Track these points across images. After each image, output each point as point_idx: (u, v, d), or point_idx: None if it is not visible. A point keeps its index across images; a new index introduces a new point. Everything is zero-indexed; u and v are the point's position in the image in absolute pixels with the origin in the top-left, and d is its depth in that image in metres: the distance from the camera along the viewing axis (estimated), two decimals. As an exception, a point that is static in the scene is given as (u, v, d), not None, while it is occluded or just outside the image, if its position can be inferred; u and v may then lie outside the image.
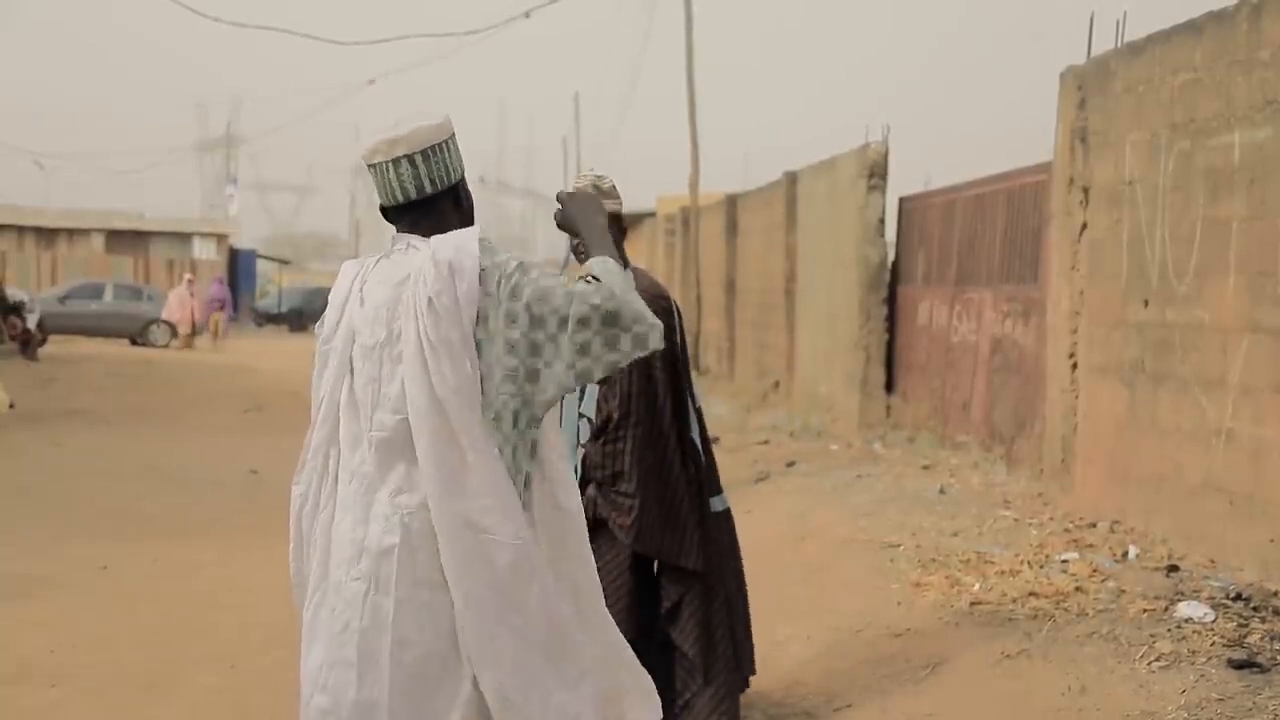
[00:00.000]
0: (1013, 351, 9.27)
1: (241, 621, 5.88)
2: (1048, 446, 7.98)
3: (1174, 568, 5.71)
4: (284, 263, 48.94)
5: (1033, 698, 4.51)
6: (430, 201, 2.76)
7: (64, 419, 13.40)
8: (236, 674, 5.19)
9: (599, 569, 4.01)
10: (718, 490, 4.21)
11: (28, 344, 19.50)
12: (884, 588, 6.00)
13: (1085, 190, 7.40)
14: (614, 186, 4.12)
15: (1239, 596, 5.16)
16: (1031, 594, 5.46)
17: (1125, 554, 6.06)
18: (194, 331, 26.84)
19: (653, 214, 27.00)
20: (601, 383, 3.98)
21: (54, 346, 22.15)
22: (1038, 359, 8.56)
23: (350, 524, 2.70)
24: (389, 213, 2.81)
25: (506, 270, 2.62)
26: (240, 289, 38.89)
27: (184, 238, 38.14)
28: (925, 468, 9.12)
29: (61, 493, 9.15)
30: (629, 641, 4.00)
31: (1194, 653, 4.57)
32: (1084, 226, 7.40)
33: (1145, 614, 5.05)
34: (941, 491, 8.09)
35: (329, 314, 2.83)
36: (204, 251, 37.89)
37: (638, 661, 2.88)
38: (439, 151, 2.75)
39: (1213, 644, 4.63)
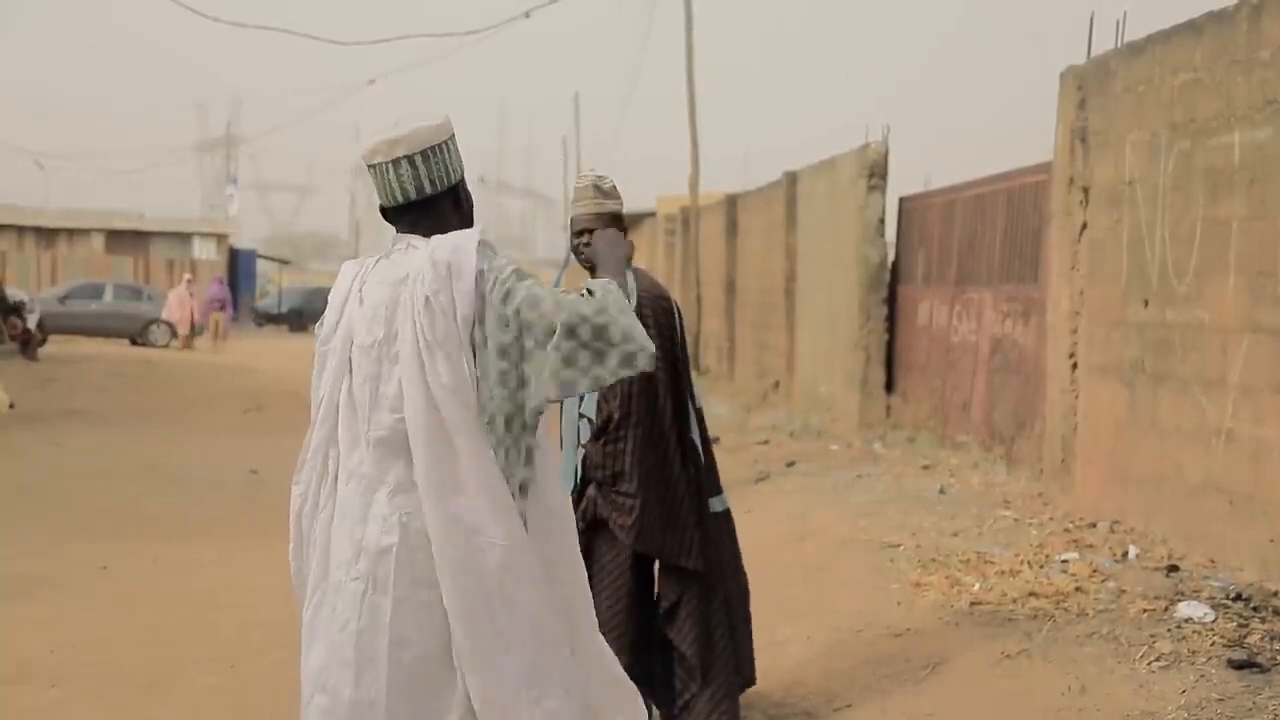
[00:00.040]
0: (1013, 351, 9.27)
1: (241, 621, 5.88)
2: (1048, 446, 7.98)
3: (1174, 568, 5.71)
4: (284, 263, 48.93)
5: (1033, 698, 4.51)
6: (430, 202, 2.76)
7: (64, 419, 13.40)
8: (236, 674, 5.19)
9: (599, 569, 4.05)
10: (718, 490, 4.21)
11: (28, 344, 19.49)
12: (884, 588, 5.99)
13: (1085, 190, 7.40)
14: (614, 186, 4.13)
15: (1239, 596, 5.16)
16: (1031, 594, 5.46)
17: (1125, 554, 6.06)
18: (193, 332, 26.83)
19: (653, 214, 27.01)
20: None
21: (54, 346, 22.14)
22: (1038, 359, 8.56)
23: (349, 524, 2.70)
24: (389, 213, 2.81)
25: (501, 275, 2.63)
26: (240, 289, 38.88)
27: (184, 238, 38.13)
28: (925, 468, 9.12)
29: (61, 493, 9.15)
30: (629, 642, 4.03)
31: (1194, 653, 4.57)
32: (1084, 226, 7.40)
33: (1145, 614, 5.05)
34: (941, 491, 8.09)
35: (328, 314, 2.83)
36: (204, 251, 37.88)
37: (626, 676, 2.89)
38: (439, 152, 2.75)
39: (1213, 644, 4.63)
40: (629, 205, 4.26)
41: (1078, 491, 7.33)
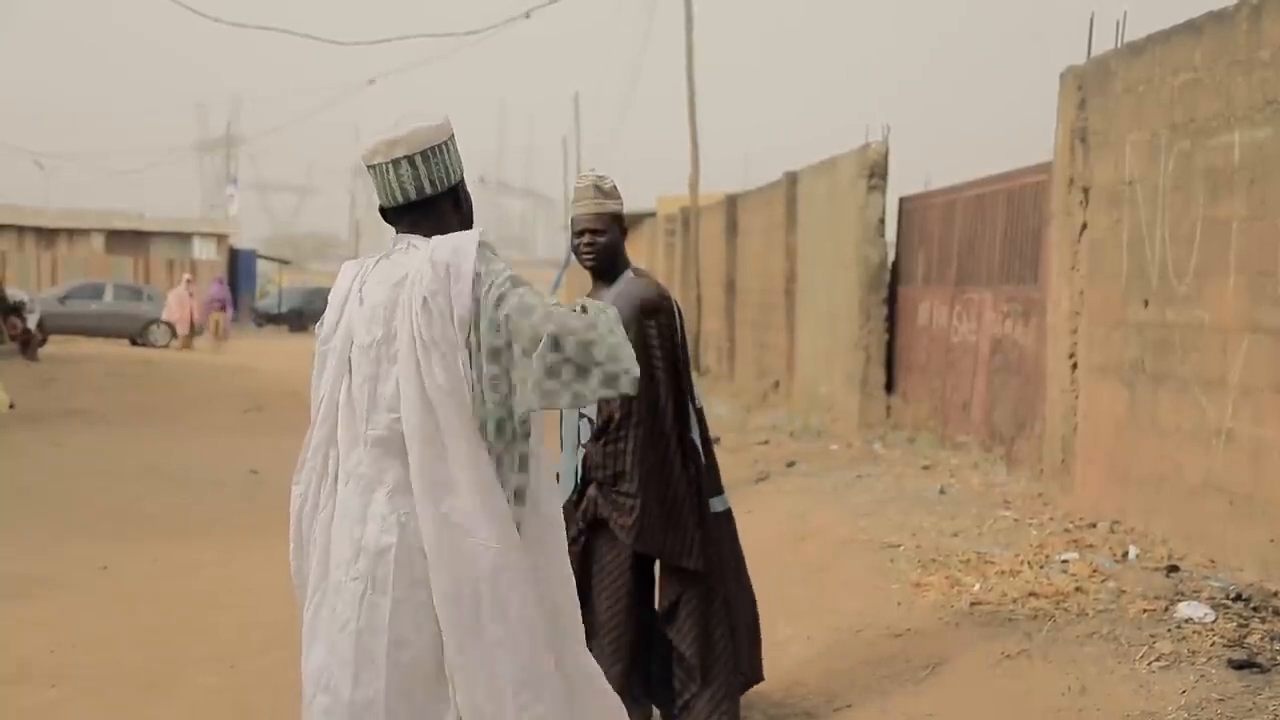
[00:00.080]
0: (1013, 352, 9.27)
1: (241, 621, 5.88)
2: (1048, 447, 7.98)
3: (1174, 568, 5.71)
4: (284, 263, 48.94)
5: (1033, 698, 4.51)
6: (430, 202, 2.76)
7: (64, 419, 13.40)
8: (236, 674, 5.19)
9: (599, 569, 4.05)
10: (719, 491, 4.21)
11: (28, 344, 19.49)
12: (884, 588, 5.99)
13: (1085, 190, 7.40)
14: (615, 186, 4.13)
15: (1239, 597, 5.16)
16: (1031, 594, 5.46)
17: (1125, 554, 6.06)
18: (193, 332, 26.84)
19: (653, 214, 27.01)
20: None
21: (54, 346, 22.15)
22: (1038, 359, 8.56)
23: (348, 524, 2.71)
24: (388, 213, 2.81)
25: (497, 279, 2.63)
26: (240, 289, 38.89)
27: (184, 238, 38.14)
28: (925, 468, 9.12)
29: (61, 493, 9.15)
30: (629, 641, 4.03)
31: (1194, 653, 4.57)
32: (1084, 226, 7.41)
33: (1145, 614, 5.05)
34: (941, 492, 8.09)
35: (328, 314, 2.83)
36: (204, 252, 37.89)
37: (610, 689, 2.89)
38: (439, 152, 2.75)
39: (1213, 644, 4.63)
40: (629, 205, 4.27)
41: (1078, 491, 7.33)
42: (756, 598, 4.36)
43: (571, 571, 2.83)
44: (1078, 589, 5.47)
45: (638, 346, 3.97)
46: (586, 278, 4.25)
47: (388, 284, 2.70)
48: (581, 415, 4.05)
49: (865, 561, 6.54)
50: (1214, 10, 6.04)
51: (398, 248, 2.76)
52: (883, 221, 11.75)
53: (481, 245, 2.69)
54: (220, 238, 39.05)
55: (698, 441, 4.12)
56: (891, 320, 11.71)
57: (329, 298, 2.86)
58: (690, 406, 4.12)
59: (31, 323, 19.66)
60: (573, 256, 4.11)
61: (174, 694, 4.97)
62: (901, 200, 12.17)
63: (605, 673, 4.02)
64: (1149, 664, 4.53)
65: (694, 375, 4.26)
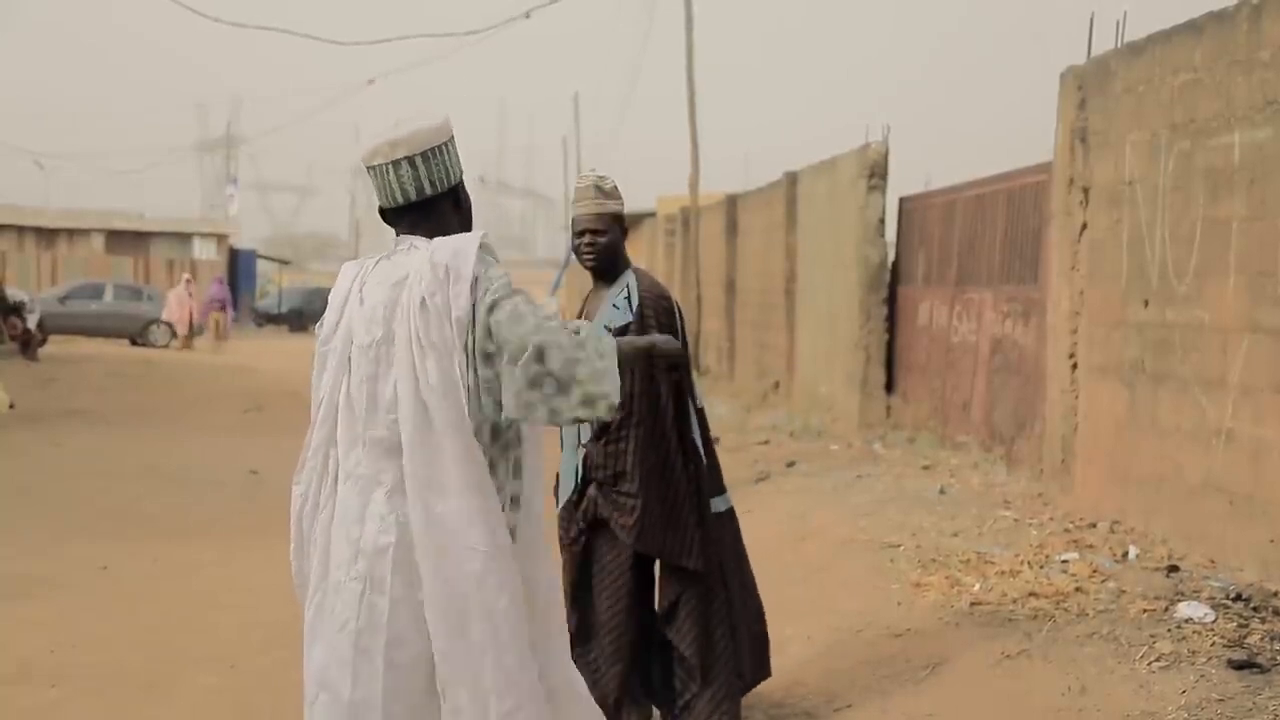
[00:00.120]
0: (1013, 352, 9.27)
1: (241, 621, 5.88)
2: (1048, 447, 7.98)
3: (1174, 568, 5.71)
4: (284, 263, 48.93)
5: (1033, 698, 4.51)
6: (430, 203, 2.77)
7: (64, 419, 13.40)
8: (236, 674, 5.19)
9: (599, 569, 4.05)
10: (721, 490, 4.21)
11: (28, 344, 19.50)
12: (884, 588, 5.99)
13: (1085, 190, 7.40)
14: (615, 187, 4.13)
15: (1239, 597, 5.15)
16: (1031, 594, 5.46)
17: (1125, 554, 6.06)
18: (192, 332, 26.83)
19: (653, 214, 27.00)
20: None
21: (54, 346, 22.15)
22: (1038, 359, 8.56)
23: (347, 524, 2.71)
24: (388, 214, 2.81)
25: (493, 284, 2.63)
26: (240, 289, 38.89)
27: (184, 238, 38.15)
28: (925, 468, 9.12)
29: (61, 493, 9.15)
30: (629, 641, 4.04)
31: (1194, 653, 4.57)
32: (1084, 226, 7.40)
33: (1145, 614, 5.05)
34: (941, 492, 8.09)
35: (328, 315, 2.83)
36: (204, 252, 37.89)
37: (591, 698, 2.89)
38: (439, 153, 2.75)
39: (1213, 644, 4.63)
40: (629, 205, 4.26)
41: (1078, 492, 7.33)
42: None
43: (559, 580, 2.83)
44: (1078, 589, 5.47)
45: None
46: (587, 278, 4.25)
47: (388, 284, 2.70)
48: (582, 415, 4.05)
49: (865, 561, 6.54)
50: (1214, 10, 6.04)
51: (399, 248, 2.76)
52: (883, 221, 11.74)
53: (482, 248, 2.69)
54: (220, 238, 39.05)
55: (699, 441, 4.12)
56: (891, 320, 11.71)
57: (329, 298, 2.86)
58: (691, 406, 4.12)
59: (31, 323, 19.67)
60: (573, 256, 4.11)
61: (174, 694, 4.98)
62: (901, 200, 12.17)
63: (605, 672, 4.06)
64: (1149, 664, 4.53)
65: (694, 375, 4.26)
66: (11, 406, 13.33)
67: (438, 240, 2.70)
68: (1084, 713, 4.30)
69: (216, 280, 30.23)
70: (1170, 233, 6.37)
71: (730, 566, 4.19)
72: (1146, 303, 6.58)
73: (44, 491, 9.16)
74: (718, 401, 14.57)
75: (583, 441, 4.06)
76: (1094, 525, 6.71)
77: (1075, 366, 7.48)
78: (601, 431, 3.99)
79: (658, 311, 4.05)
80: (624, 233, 4.16)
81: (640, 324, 4.01)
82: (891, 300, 11.74)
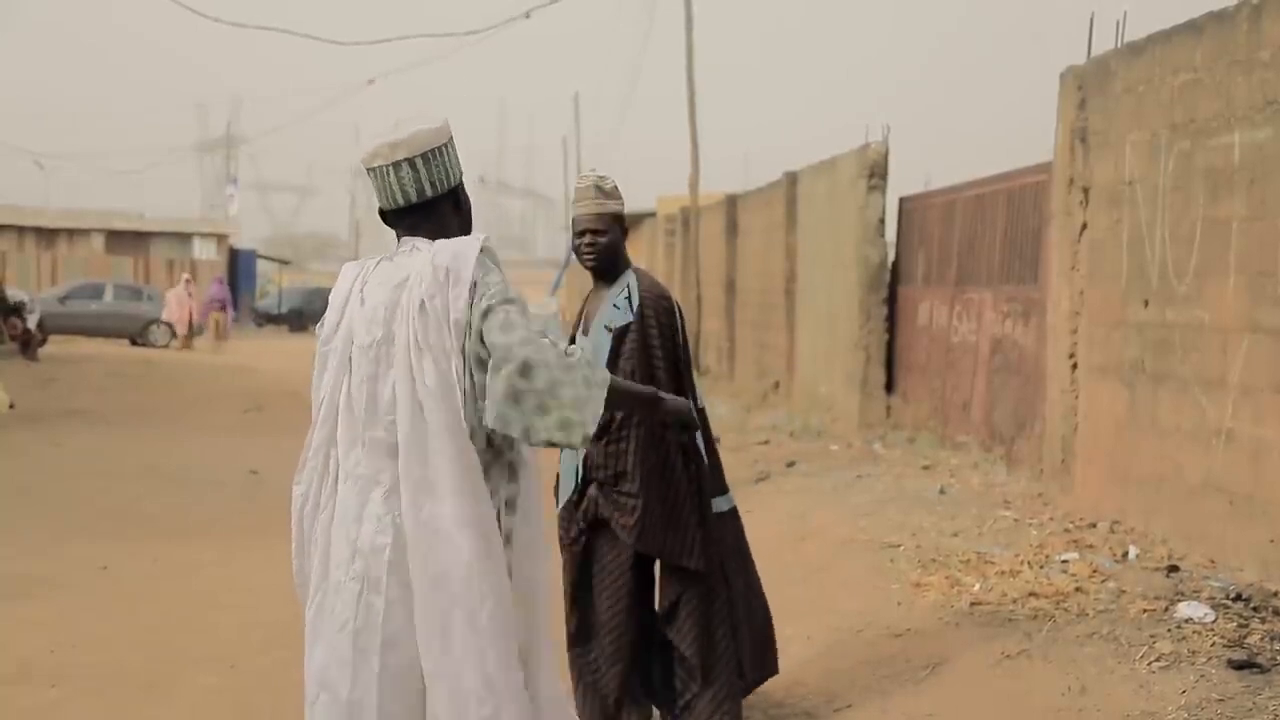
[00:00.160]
0: (1013, 352, 9.26)
1: (241, 621, 5.88)
2: (1048, 447, 7.98)
3: (1174, 568, 5.71)
4: (284, 263, 48.93)
5: (1033, 698, 4.51)
6: (430, 205, 2.77)
7: (64, 419, 13.40)
8: (236, 674, 5.19)
9: (600, 569, 4.05)
10: (723, 490, 4.21)
11: (28, 344, 19.50)
12: (884, 588, 5.99)
13: (1085, 190, 7.40)
14: (616, 187, 4.13)
15: (1239, 597, 5.15)
16: (1031, 594, 5.46)
17: (1125, 554, 6.06)
18: (192, 332, 26.83)
19: (653, 214, 27.02)
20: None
21: (54, 346, 22.15)
22: (1038, 359, 8.56)
23: (346, 524, 2.72)
24: (389, 216, 2.82)
25: (489, 290, 2.62)
26: (240, 289, 38.89)
27: (184, 238, 38.15)
28: (925, 468, 9.11)
29: (61, 493, 9.15)
30: (629, 641, 4.04)
31: (1194, 653, 4.57)
32: (1084, 226, 7.40)
33: (1145, 614, 5.05)
34: (941, 492, 8.09)
35: (329, 315, 2.83)
36: (204, 252, 37.90)
37: (573, 711, 2.88)
38: (439, 155, 2.75)
39: (1213, 644, 4.63)
40: (629, 205, 4.26)
41: (1078, 492, 7.33)
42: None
43: (549, 587, 2.81)
44: (1078, 589, 5.47)
45: (640, 347, 3.98)
46: (587, 278, 4.25)
47: (389, 285, 2.71)
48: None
49: (865, 561, 6.54)
50: (1214, 10, 6.04)
51: (401, 250, 2.77)
52: (883, 221, 11.74)
53: (484, 252, 2.69)
54: (220, 238, 39.05)
55: (700, 441, 4.12)
56: (891, 320, 11.71)
57: (330, 299, 2.86)
58: (692, 406, 4.11)
59: (31, 323, 19.67)
60: (573, 256, 4.11)
61: (174, 694, 4.98)
62: (901, 200, 12.17)
63: (605, 672, 4.06)
64: (1149, 664, 4.53)
65: (694, 375, 4.26)
66: (11, 406, 13.33)
67: (440, 243, 2.70)
68: (1084, 713, 4.30)
69: (216, 280, 30.23)
70: (1170, 233, 6.37)
71: (733, 566, 4.19)
72: (1146, 303, 6.58)
73: (44, 491, 9.16)
74: (718, 401, 14.57)
75: (583, 442, 4.05)
76: (1094, 525, 6.71)
77: (1075, 366, 7.48)
78: (602, 431, 3.99)
79: (658, 311, 4.05)
80: (624, 233, 4.15)
81: (641, 324, 4.01)
82: (891, 300, 11.74)
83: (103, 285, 28.28)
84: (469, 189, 2.90)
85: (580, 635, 4.10)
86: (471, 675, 2.57)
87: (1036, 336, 8.68)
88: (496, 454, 2.69)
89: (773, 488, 9.13)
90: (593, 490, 4.01)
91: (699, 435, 4.12)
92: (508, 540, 2.70)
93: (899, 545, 6.68)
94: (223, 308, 28.33)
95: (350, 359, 2.74)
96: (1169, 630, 4.83)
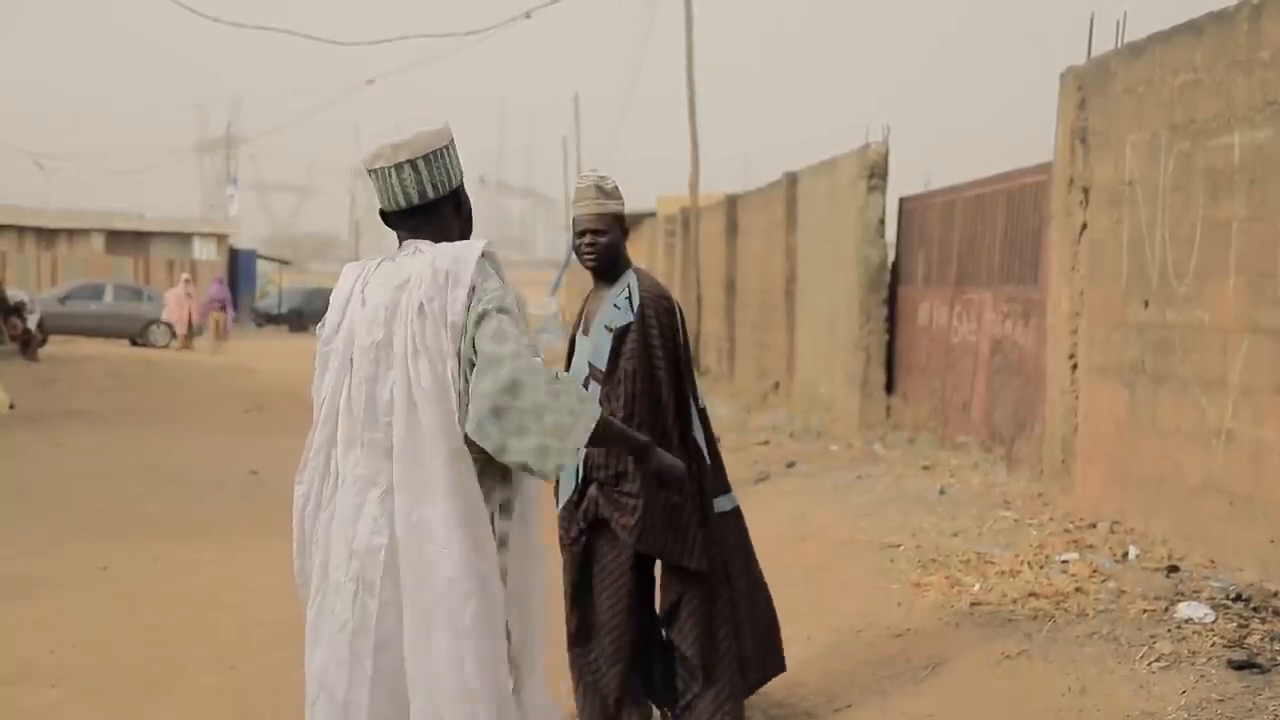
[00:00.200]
0: (1013, 352, 9.27)
1: (241, 621, 5.88)
2: (1048, 447, 7.98)
3: (1174, 568, 5.71)
4: (284, 263, 48.93)
5: (1033, 698, 4.51)
6: (432, 206, 2.77)
7: (64, 419, 13.40)
8: (236, 674, 5.19)
9: (600, 569, 4.05)
10: (725, 490, 4.21)
11: (28, 344, 19.50)
12: (884, 588, 5.99)
13: (1085, 191, 7.40)
14: (616, 187, 4.13)
15: (1239, 597, 5.15)
16: (1031, 594, 5.46)
17: (1125, 554, 6.06)
18: (191, 332, 26.83)
19: (653, 214, 27.01)
20: (604, 382, 3.99)
21: (54, 347, 22.15)
22: (1038, 360, 8.56)
23: (344, 524, 2.72)
24: (390, 217, 2.82)
25: (486, 296, 2.63)
26: (240, 289, 38.90)
27: (184, 238, 38.15)
28: (925, 468, 9.11)
29: (61, 493, 9.15)
30: (629, 641, 4.04)
31: (1194, 653, 4.57)
32: (1084, 227, 7.41)
33: (1145, 614, 5.05)
34: (941, 492, 8.09)
35: (330, 316, 2.84)
36: (204, 252, 37.90)
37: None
38: (440, 156, 2.76)
39: (1213, 644, 4.63)
40: (629, 205, 4.26)
41: (1078, 492, 7.33)
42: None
43: (545, 591, 2.81)
44: (1078, 589, 5.47)
45: (641, 347, 3.98)
46: (587, 278, 4.25)
47: (390, 286, 2.71)
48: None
49: (865, 562, 6.54)
50: (1214, 10, 6.04)
51: (403, 251, 2.77)
52: (883, 222, 11.74)
53: (484, 256, 2.69)
54: (220, 238, 39.06)
55: (701, 441, 4.12)
56: (891, 321, 11.71)
57: (331, 299, 2.87)
58: (693, 406, 4.11)
59: (32, 323, 19.67)
60: (573, 256, 4.11)
61: (174, 694, 4.98)
62: (901, 200, 12.17)
63: (605, 672, 4.06)
64: (1149, 664, 4.53)
65: (695, 375, 4.26)
66: (11, 407, 13.33)
67: (442, 246, 2.71)
68: (1084, 713, 4.31)
69: (216, 280, 30.22)
70: (1170, 233, 6.37)
71: (736, 565, 4.18)
72: (1146, 303, 6.58)
73: (44, 491, 9.16)
74: (718, 402, 14.56)
75: (583, 442, 4.05)
76: (1094, 525, 6.72)
77: (1075, 367, 7.49)
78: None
79: (658, 312, 4.05)
80: (625, 233, 4.15)
81: (641, 324, 4.01)
82: (891, 301, 11.74)
83: (103, 285, 28.29)
84: (469, 189, 2.91)
85: (580, 635, 4.10)
86: (450, 677, 2.57)
87: (1036, 337, 8.68)
88: (489, 457, 2.69)
89: (773, 488, 9.13)
90: (593, 490, 4.01)
91: (701, 435, 4.12)
92: (502, 543, 2.70)
93: (899, 545, 6.68)
94: (222, 308, 28.32)
95: (351, 359, 2.75)
96: (1169, 630, 4.83)
